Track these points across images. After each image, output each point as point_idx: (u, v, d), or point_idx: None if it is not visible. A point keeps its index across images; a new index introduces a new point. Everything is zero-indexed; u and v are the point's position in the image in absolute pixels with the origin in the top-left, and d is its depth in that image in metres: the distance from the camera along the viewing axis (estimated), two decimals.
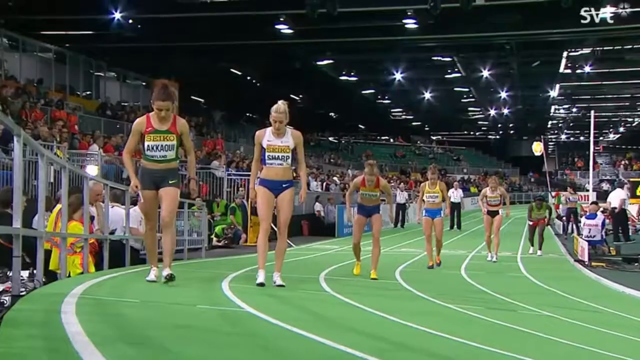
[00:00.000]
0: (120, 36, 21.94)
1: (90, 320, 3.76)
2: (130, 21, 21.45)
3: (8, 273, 5.29)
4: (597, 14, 19.90)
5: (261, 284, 6.40)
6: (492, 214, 12.75)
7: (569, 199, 20.21)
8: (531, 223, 14.85)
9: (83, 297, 4.75)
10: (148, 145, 6.21)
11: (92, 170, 13.77)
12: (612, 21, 20.79)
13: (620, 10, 19.07)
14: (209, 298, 5.47)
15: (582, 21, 20.73)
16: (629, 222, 18.56)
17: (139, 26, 21.90)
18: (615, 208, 17.39)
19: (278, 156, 6.69)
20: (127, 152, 6.49)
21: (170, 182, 6.23)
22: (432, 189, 10.73)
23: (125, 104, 26.60)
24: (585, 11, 18.71)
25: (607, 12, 19.58)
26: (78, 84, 25.64)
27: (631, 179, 26.30)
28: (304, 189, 7.28)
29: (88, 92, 26.40)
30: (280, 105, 6.70)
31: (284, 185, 6.74)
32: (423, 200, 10.92)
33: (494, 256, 12.68)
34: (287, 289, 6.40)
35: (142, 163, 6.35)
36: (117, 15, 20.90)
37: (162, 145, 6.19)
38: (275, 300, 5.64)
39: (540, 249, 14.56)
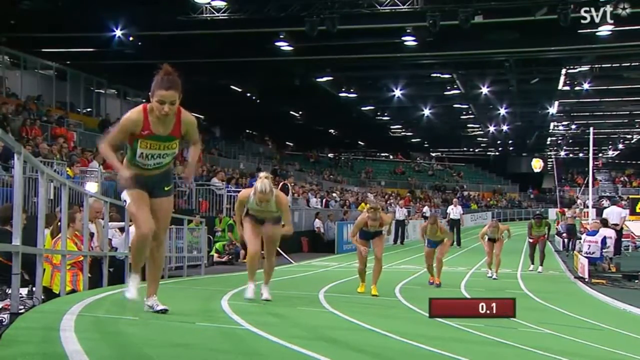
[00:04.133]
0: (120, 53, 22.08)
1: (89, 339, 3.75)
2: (131, 38, 21.60)
3: (7, 290, 5.27)
4: (595, 32, 20.03)
5: (250, 299, 6.57)
6: (493, 240, 12.76)
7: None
8: (531, 240, 14.77)
9: (82, 314, 4.74)
10: (141, 153, 4.80)
11: (91, 187, 13.77)
12: (610, 39, 20.96)
13: (618, 28, 19.19)
14: (208, 315, 5.45)
15: (580, 39, 20.90)
16: (628, 240, 18.81)
17: (140, 43, 22.04)
18: (616, 224, 17.54)
19: (261, 213, 6.71)
20: (107, 144, 4.84)
21: (165, 188, 5.05)
22: (434, 235, 10.55)
23: None
24: (583, 29, 18.80)
25: (605, 30, 19.70)
26: (79, 101, 25.75)
27: (631, 196, 26.33)
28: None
29: (89, 109, 26.50)
30: (266, 184, 6.43)
31: (268, 217, 6.82)
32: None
33: (494, 274, 12.67)
34: (286, 306, 6.39)
35: (127, 165, 4.92)
36: (118, 32, 21.05)
37: (159, 154, 4.85)
38: (274, 317, 5.62)
39: (541, 264, 14.48)
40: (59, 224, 7.14)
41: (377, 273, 8.65)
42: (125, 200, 4.95)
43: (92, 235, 8.15)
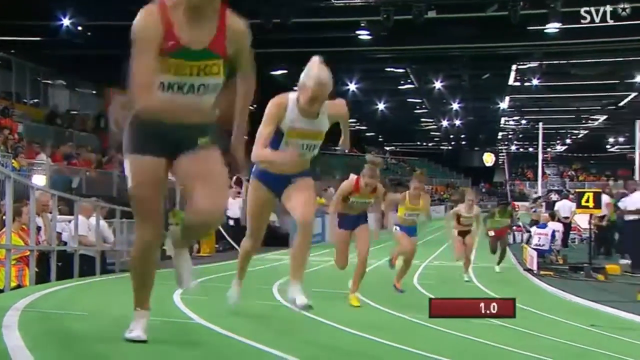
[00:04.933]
0: (69, 43, 21.51)
1: (34, 335, 3.64)
2: (80, 28, 21.05)
3: None
4: (543, 29, 20.54)
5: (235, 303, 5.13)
6: (463, 233, 10.91)
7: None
8: (493, 233, 12.51)
9: (27, 310, 4.60)
10: (164, 83, 3.10)
11: (39, 179, 13.42)
12: (557, 36, 21.51)
13: (565, 26, 19.70)
14: (160, 310, 5.34)
15: (529, 35, 21.37)
16: (575, 232, 19.39)
17: (89, 33, 21.51)
18: (567, 217, 18.04)
19: (303, 144, 4.36)
20: (147, 77, 3.02)
21: (201, 140, 3.30)
22: (414, 204, 8.07)
23: (75, 112, 26.00)
24: (532, 26, 19.26)
25: (552, 27, 20.22)
26: (25, 92, 24.98)
27: (577, 190, 27.15)
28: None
29: (35, 100, 25.75)
30: (327, 72, 4.21)
31: (294, 176, 4.57)
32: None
33: (465, 274, 10.94)
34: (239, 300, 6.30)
35: (141, 108, 3.13)
36: (66, 21, 20.50)
37: (191, 85, 3.13)
38: (226, 311, 5.56)
39: (498, 263, 12.58)
40: (4, 217, 6.93)
41: (359, 276, 6.74)
42: (127, 174, 3.20)
43: (39, 229, 7.95)
